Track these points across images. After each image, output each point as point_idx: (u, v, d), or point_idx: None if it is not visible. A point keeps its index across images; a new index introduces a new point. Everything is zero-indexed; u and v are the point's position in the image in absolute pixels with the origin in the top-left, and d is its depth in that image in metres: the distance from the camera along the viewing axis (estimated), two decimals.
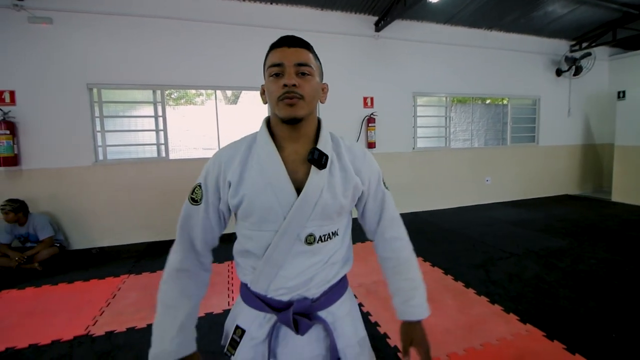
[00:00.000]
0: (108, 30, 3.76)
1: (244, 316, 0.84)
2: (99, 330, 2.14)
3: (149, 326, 2.17)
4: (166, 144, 4.12)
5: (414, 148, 5.38)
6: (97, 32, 3.72)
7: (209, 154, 4.36)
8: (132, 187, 3.97)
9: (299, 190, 0.75)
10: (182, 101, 4.65)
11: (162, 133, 4.12)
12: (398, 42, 5.03)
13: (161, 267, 3.18)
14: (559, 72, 6.19)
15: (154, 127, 4.12)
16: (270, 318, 0.81)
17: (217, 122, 4.31)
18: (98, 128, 3.88)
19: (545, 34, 5.90)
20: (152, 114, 4.11)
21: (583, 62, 6.00)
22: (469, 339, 1.98)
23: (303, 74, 0.73)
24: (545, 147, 6.32)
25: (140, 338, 2.07)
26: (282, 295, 0.79)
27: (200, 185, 0.81)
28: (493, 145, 6.11)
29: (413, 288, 0.90)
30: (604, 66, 6.66)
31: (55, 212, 3.73)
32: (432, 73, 5.30)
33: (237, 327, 0.84)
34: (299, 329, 0.79)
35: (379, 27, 4.79)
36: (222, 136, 4.35)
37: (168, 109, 4.17)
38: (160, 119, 4.09)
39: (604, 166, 6.88)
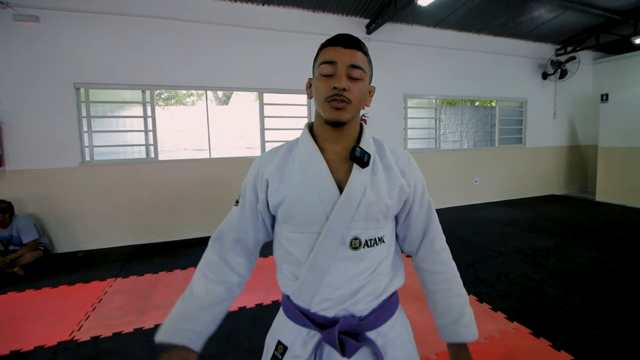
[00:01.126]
0: (96, 29, 3.69)
1: (287, 331, 0.78)
2: (84, 336, 2.10)
3: (136, 330, 2.15)
4: (155, 144, 4.07)
5: (404, 149, 5.42)
6: (85, 31, 3.66)
7: (200, 155, 4.33)
8: (120, 189, 3.90)
9: (340, 190, 0.73)
10: (172, 101, 4.59)
11: (151, 134, 4.06)
12: (389, 45, 5.08)
13: (149, 270, 3.15)
14: (545, 75, 6.33)
15: (142, 128, 4.06)
16: (314, 335, 0.75)
17: (207, 123, 4.27)
18: (85, 128, 3.81)
19: (532, 38, 6.02)
20: (141, 114, 4.05)
21: (568, 66, 6.15)
22: None
23: (354, 77, 0.72)
24: (532, 148, 6.44)
25: (127, 342, 2.03)
26: (326, 309, 0.74)
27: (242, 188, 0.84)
28: (482, 146, 6.20)
29: (463, 305, 0.85)
30: (588, 70, 6.83)
31: (40, 214, 3.64)
32: (422, 75, 5.35)
33: (279, 342, 0.78)
34: (344, 351, 0.72)
35: (370, 29, 4.83)
36: (212, 137, 4.32)
37: (157, 109, 4.12)
38: (150, 120, 4.04)
39: (588, 167, 7.06)
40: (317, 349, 0.74)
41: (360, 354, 0.74)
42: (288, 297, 0.79)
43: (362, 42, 0.75)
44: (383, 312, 0.78)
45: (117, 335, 2.10)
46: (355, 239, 0.74)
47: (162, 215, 4.08)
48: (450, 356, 0.85)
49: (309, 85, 0.80)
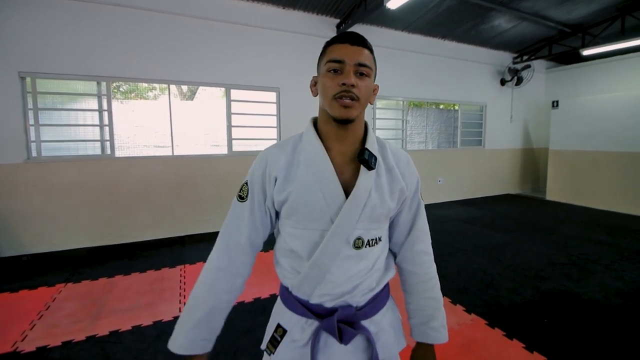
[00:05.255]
0: (46, 14, 3.39)
1: (286, 318, 0.82)
2: (28, 346, 1.93)
3: (89, 338, 2.02)
4: (112, 140, 3.82)
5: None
6: (34, 15, 3.35)
7: (161, 152, 4.13)
8: (71, 187, 3.62)
9: (346, 191, 0.74)
10: (132, 95, 4.35)
11: (107, 128, 3.81)
12: None
13: (104, 274, 2.98)
14: (503, 82, 6.72)
15: (97, 122, 3.80)
16: (312, 323, 0.78)
17: (170, 119, 4.08)
18: (31, 122, 3.49)
19: (492, 46, 6.37)
20: (96, 107, 3.79)
21: (524, 73, 6.58)
22: None
23: (361, 74, 0.72)
24: (491, 150, 6.83)
25: (78, 351, 1.89)
26: (325, 301, 0.77)
27: (247, 183, 0.82)
28: (445, 147, 6.47)
29: (436, 308, 0.87)
30: (541, 78, 7.35)
31: None
32: (390, 77, 5.48)
33: (279, 325, 0.82)
34: (342, 338, 0.76)
35: (340, 29, 4.85)
36: (176, 133, 4.13)
37: (115, 103, 3.87)
38: (106, 114, 3.78)
39: (540, 168, 7.60)
40: (315, 335, 0.77)
41: (354, 340, 0.78)
42: (287, 288, 0.82)
43: (367, 40, 0.75)
44: (377, 302, 0.82)
45: (67, 344, 1.96)
46: (359, 238, 0.77)
47: (119, 215, 3.85)
48: (415, 353, 0.88)
49: (314, 84, 0.80)
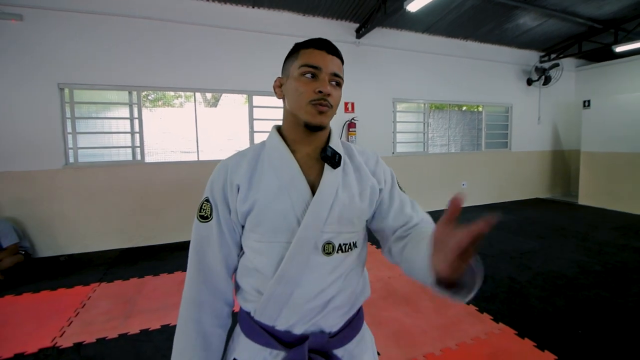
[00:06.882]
0: (82, 29, 3.62)
1: (244, 350, 0.71)
2: (66, 342, 2.04)
3: (121, 336, 2.11)
4: (142, 146, 4.00)
5: (393, 153, 5.48)
6: (71, 30, 3.59)
7: (188, 158, 4.28)
8: (105, 191, 3.82)
9: (313, 191, 0.70)
10: (160, 103, 4.53)
11: (137, 135, 3.99)
12: (379, 49, 5.13)
13: (135, 274, 3.09)
14: (529, 82, 6.49)
15: (129, 130, 4.00)
16: (277, 354, 0.68)
17: (195, 125, 4.23)
18: (69, 130, 3.72)
19: (517, 45, 6.18)
20: (128, 115, 3.99)
21: (552, 73, 6.32)
22: (445, 339, 2.03)
23: (336, 84, 0.72)
24: (517, 152, 6.59)
25: (111, 348, 1.99)
26: (294, 326, 0.69)
27: (207, 200, 0.73)
28: (469, 150, 6.30)
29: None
30: (570, 76, 7.04)
31: (21, 218, 3.53)
32: (411, 80, 5.43)
33: None
34: None
35: (360, 34, 4.87)
36: (201, 139, 4.28)
37: (144, 111, 4.06)
38: (136, 121, 3.97)
39: (571, 171, 7.24)
40: None
41: None
42: (248, 313, 0.73)
43: (339, 50, 0.75)
44: (352, 328, 0.76)
45: (101, 341, 2.06)
46: (329, 243, 0.70)
47: (149, 218, 4.01)
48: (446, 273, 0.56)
49: (279, 85, 0.76)
